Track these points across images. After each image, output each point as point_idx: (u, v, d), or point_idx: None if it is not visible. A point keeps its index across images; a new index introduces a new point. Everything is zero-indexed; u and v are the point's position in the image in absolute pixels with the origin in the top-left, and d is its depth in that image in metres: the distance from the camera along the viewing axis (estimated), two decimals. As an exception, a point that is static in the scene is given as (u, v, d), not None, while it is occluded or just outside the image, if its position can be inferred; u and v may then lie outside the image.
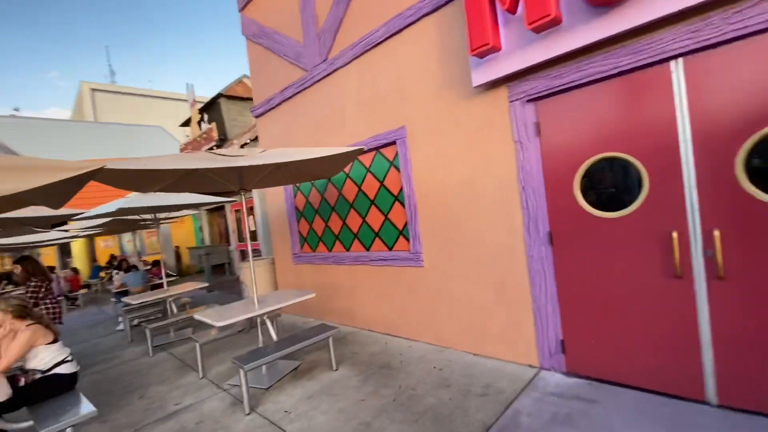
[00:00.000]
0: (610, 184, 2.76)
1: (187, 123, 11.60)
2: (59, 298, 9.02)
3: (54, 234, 7.38)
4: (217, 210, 12.98)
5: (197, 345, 3.97)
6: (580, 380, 2.92)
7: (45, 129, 26.66)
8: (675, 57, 2.37)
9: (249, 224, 10.19)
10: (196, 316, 3.56)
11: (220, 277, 11.05)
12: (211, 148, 9.17)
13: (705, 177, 2.33)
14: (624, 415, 2.42)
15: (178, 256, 14.88)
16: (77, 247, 13.91)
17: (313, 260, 5.47)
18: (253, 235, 8.63)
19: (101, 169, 2.43)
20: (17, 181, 1.88)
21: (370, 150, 4.46)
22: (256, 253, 7.85)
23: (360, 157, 4.64)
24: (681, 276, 2.44)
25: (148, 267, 8.95)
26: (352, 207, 4.83)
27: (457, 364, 3.48)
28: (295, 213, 5.79)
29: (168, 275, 7.44)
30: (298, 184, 5.67)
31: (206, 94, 20.71)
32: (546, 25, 2.60)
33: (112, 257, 12.65)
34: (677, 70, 2.38)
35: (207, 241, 13.60)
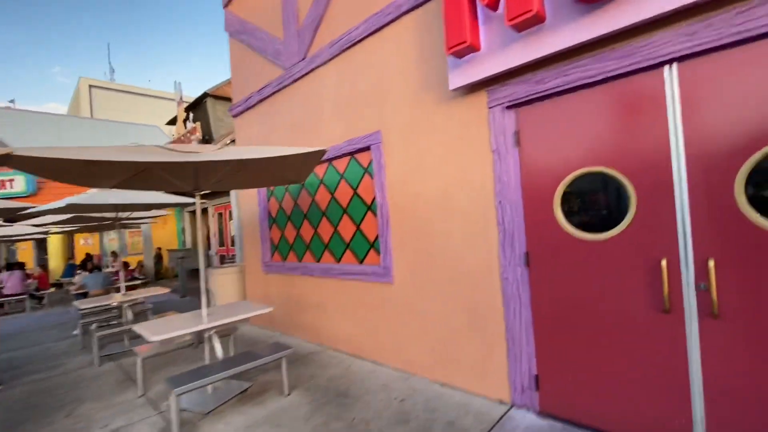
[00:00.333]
0: (593, 202, 2.47)
1: (174, 121, 11.32)
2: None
3: (19, 229, 6.98)
4: (202, 212, 12.61)
5: (138, 359, 3.58)
6: (554, 423, 2.57)
7: (40, 123, 26.28)
8: (669, 62, 2.11)
9: (231, 228, 9.82)
10: (135, 328, 3.19)
11: (198, 282, 10.61)
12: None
13: (700, 198, 2.04)
14: (600, 471, 2.08)
15: (159, 258, 14.42)
16: (53, 244, 13.44)
17: (282, 270, 5.12)
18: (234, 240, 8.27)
19: (10, 155, 2.11)
20: None
21: (345, 155, 4.17)
22: (233, 259, 7.48)
23: (334, 163, 4.34)
24: (669, 311, 2.13)
25: (112, 268, 8.53)
26: (325, 215, 4.51)
27: (421, 395, 3.13)
28: (267, 219, 5.46)
29: (134, 278, 7.04)
30: (272, 189, 5.36)
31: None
32: (528, 23, 2.34)
33: (88, 256, 12.19)
34: (671, 76, 2.11)
35: (189, 243, 13.18)
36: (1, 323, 7.70)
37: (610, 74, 2.26)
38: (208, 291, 6.37)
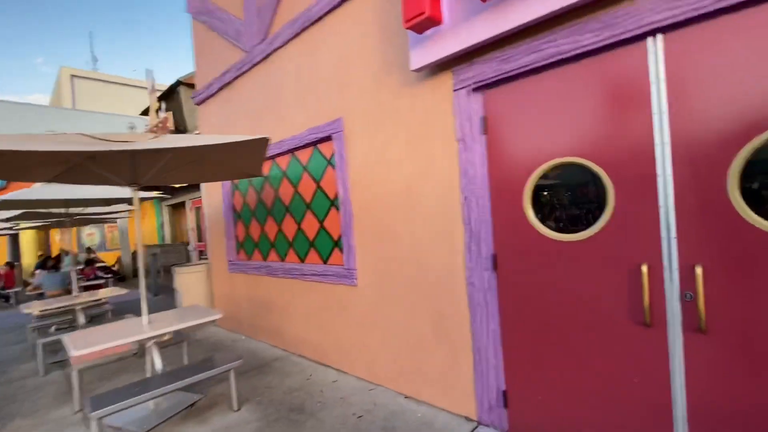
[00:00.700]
0: (567, 198, 2.17)
1: (147, 112, 10.83)
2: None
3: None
4: (177, 206, 12.18)
5: (73, 371, 3.24)
6: (522, 445, 2.30)
7: (22, 113, 25.39)
8: (653, 32, 1.79)
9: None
10: (63, 338, 2.84)
11: (171, 280, 10.21)
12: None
13: (686, 194, 1.75)
14: None
15: (135, 254, 13.96)
16: (26, 240, 12.93)
17: (247, 269, 4.78)
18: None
19: None
20: None
21: (307, 145, 3.82)
22: (203, 255, 7.12)
23: (297, 154, 3.99)
24: (651, 324, 1.85)
25: (79, 266, 8.11)
26: (288, 211, 4.17)
27: (382, 409, 2.84)
28: (232, 214, 5.10)
29: (98, 277, 6.65)
30: (236, 182, 4.99)
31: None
32: (492, -11, 2.01)
33: (61, 252, 11.73)
34: (655, 50, 1.80)
35: (168, 239, 12.75)
36: (-42, 325, 7.28)
37: (585, 49, 1.94)
38: (174, 290, 6.03)
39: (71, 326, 5.19)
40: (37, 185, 4.69)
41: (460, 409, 2.65)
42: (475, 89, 2.43)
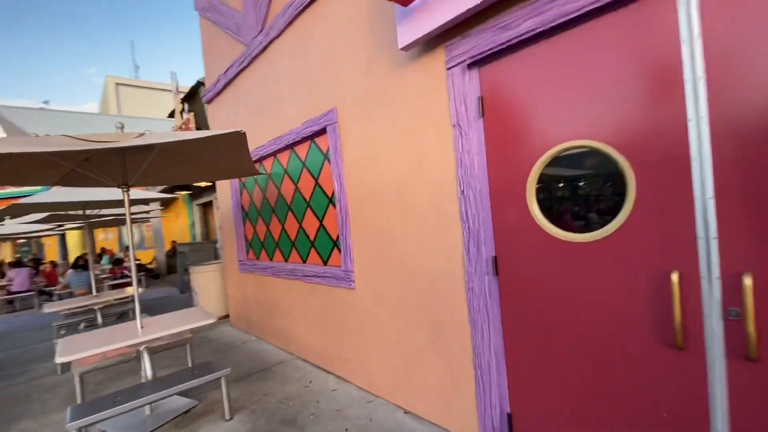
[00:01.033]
0: (578, 190, 1.80)
1: (173, 114, 11.13)
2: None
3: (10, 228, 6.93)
4: (210, 204, 12.47)
5: (75, 374, 3.24)
6: (530, 479, 1.97)
7: (72, 122, 27.30)
8: (683, -24, 1.40)
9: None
10: (59, 342, 2.82)
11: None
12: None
13: (731, 182, 1.35)
14: None
15: (173, 252, 14.51)
16: (72, 240, 13.77)
17: (255, 269, 4.68)
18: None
19: None
20: None
21: (304, 139, 3.61)
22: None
23: (296, 149, 3.80)
24: (683, 347, 1.47)
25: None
26: (290, 209, 4.00)
27: (377, 425, 2.59)
28: (241, 213, 5.02)
29: (124, 276, 6.85)
30: (243, 180, 4.89)
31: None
32: (480, -59, 1.67)
33: (103, 250, 12.38)
34: (687, 3, 1.40)
35: (198, 237, 13.13)
36: (4, 321, 7.81)
37: (599, 3, 1.57)
38: (191, 290, 6.08)
39: (93, 325, 5.35)
40: (55, 188, 4.80)
41: (461, 428, 2.36)
42: (471, 65, 2.10)
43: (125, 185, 3.01)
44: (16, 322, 7.63)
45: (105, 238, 16.14)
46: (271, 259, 4.48)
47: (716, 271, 1.38)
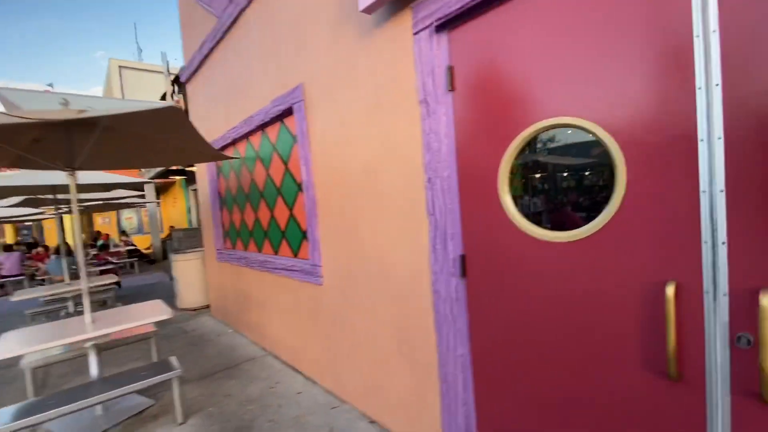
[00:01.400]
0: (559, 180, 1.49)
1: (165, 97, 10.84)
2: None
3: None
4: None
5: (27, 369, 3.04)
6: None
7: (74, 105, 27.12)
8: None
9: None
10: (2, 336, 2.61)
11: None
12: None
13: (747, 172, 1.03)
14: None
15: (170, 237, 14.41)
16: (69, 224, 13.69)
17: (231, 259, 4.43)
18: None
19: None
20: None
21: (274, 119, 3.30)
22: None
23: (267, 131, 3.49)
24: (678, 379, 1.17)
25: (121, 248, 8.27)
26: (262, 197, 3.72)
27: (337, 437, 2.35)
28: (218, 200, 4.76)
29: (108, 263, 6.68)
30: (219, 164, 4.62)
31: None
32: None
33: (97, 234, 12.29)
34: (701, -75, 1.06)
35: (195, 222, 12.98)
36: (-9, 305, 7.72)
37: (584, -58, 1.23)
38: (172, 278, 5.88)
39: (69, 314, 5.18)
40: (24, 171, 4.57)
41: (427, 447, 2.10)
42: (439, 28, 1.76)
43: (70, 168, 2.74)
44: (2, 307, 7.54)
45: (103, 222, 16.07)
46: (245, 249, 4.22)
47: (724, 285, 1.08)
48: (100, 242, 11.33)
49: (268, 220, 3.65)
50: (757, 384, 1.03)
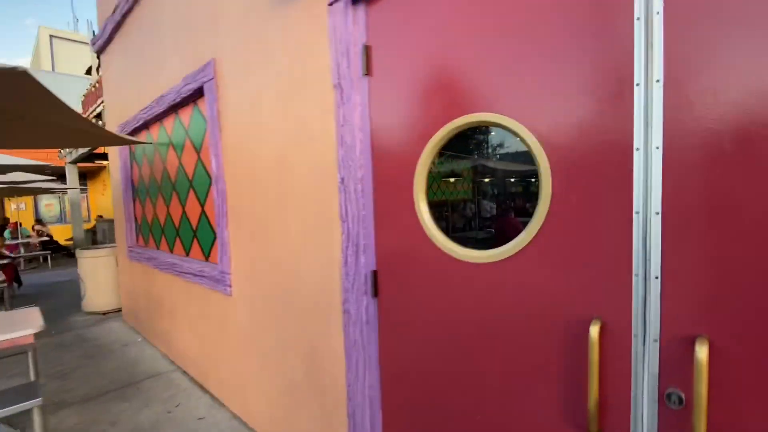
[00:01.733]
0: (485, 188, 1.26)
1: (90, 71, 9.67)
2: None
3: None
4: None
5: None
6: None
7: (-6, 75, 23.90)
8: None
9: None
10: None
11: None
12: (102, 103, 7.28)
13: (689, 191, 0.84)
14: None
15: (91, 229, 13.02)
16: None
17: (141, 258, 3.89)
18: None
19: None
20: None
21: (185, 100, 2.86)
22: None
23: (180, 113, 3.03)
24: (599, 437, 0.97)
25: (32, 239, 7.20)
26: (174, 189, 3.25)
27: (233, 476, 2.00)
28: (130, 189, 4.17)
29: (2, 256, 5.77)
30: (133, 150, 4.04)
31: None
32: None
33: (5, 221, 10.82)
34: None
35: (125, 213, 11.80)
36: None
37: None
38: (79, 278, 5.15)
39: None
40: None
41: (333, 489, 1.82)
42: (356, 1, 1.47)
43: None
44: None
45: (17, 208, 14.22)
46: (158, 248, 3.71)
47: (655, 328, 0.88)
48: (7, 230, 9.98)
49: (180, 216, 3.19)
50: (688, 452, 0.84)
